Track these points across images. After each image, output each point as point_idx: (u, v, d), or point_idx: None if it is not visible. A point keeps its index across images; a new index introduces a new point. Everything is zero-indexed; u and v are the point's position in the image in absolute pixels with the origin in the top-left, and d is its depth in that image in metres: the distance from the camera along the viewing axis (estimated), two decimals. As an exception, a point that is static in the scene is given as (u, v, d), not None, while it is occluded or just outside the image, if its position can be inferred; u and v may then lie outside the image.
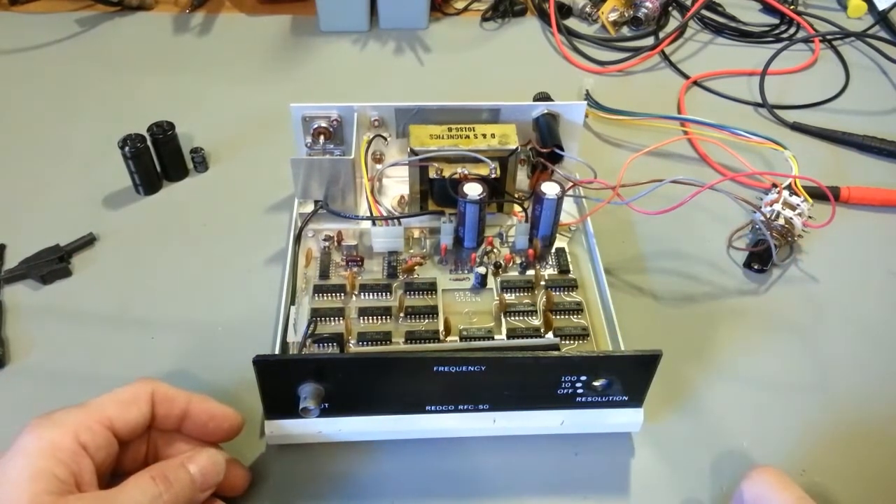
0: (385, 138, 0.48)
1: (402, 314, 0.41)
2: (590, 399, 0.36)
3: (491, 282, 0.43)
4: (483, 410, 0.37)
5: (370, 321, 0.41)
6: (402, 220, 0.45)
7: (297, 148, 0.48)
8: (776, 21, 0.74)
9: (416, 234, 0.45)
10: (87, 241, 0.48)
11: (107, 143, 0.53)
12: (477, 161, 0.44)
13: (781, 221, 0.47)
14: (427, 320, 0.41)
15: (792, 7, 0.75)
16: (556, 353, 0.38)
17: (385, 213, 0.46)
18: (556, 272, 0.44)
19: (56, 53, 0.67)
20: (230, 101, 0.61)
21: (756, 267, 0.47)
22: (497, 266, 0.44)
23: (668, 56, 0.69)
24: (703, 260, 0.48)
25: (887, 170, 0.56)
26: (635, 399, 0.36)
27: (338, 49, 0.69)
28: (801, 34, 0.73)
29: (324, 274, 0.43)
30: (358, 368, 0.34)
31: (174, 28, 0.71)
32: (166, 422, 0.33)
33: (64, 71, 0.65)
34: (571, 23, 0.74)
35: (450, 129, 0.45)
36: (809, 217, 0.48)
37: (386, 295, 0.42)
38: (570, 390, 0.35)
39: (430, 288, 0.42)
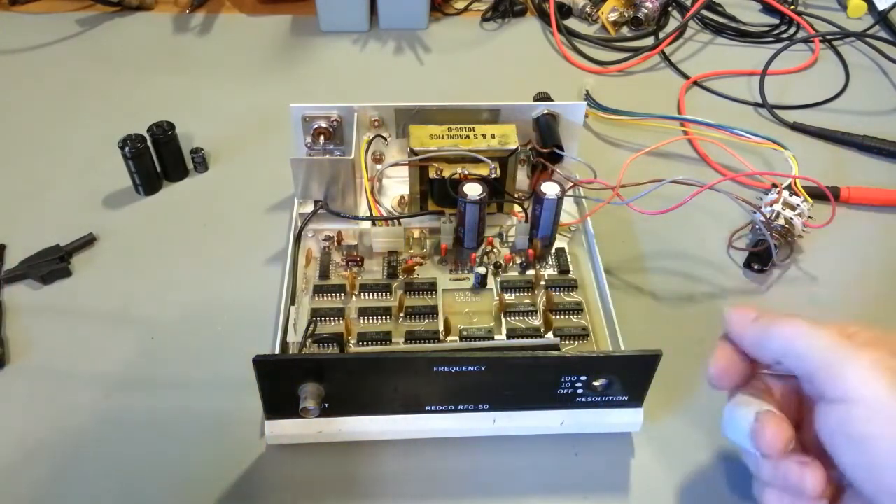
0: (385, 138, 0.48)
1: (402, 314, 0.41)
2: (590, 399, 0.36)
3: (491, 282, 0.43)
4: (483, 410, 0.37)
5: (370, 321, 0.41)
6: (402, 220, 0.45)
7: (297, 148, 0.48)
8: (776, 21, 0.74)
9: (416, 234, 0.45)
10: (87, 241, 0.48)
11: (107, 143, 0.53)
12: (477, 161, 0.44)
13: (781, 221, 0.47)
14: (427, 320, 0.41)
15: (792, 7, 0.75)
16: (555, 353, 0.38)
17: (385, 213, 0.46)
18: (556, 272, 0.44)
19: (56, 53, 0.67)
20: (230, 101, 0.61)
21: (756, 267, 0.47)
22: (497, 266, 0.44)
23: (668, 56, 0.69)
24: (703, 260, 0.48)
25: (887, 170, 0.56)
26: (635, 399, 0.36)
27: (338, 49, 0.69)
28: (801, 34, 0.73)
29: (324, 274, 0.43)
30: (358, 368, 0.34)
31: (174, 28, 0.71)
32: None
33: (64, 71, 0.65)
34: (571, 23, 0.74)
35: (450, 129, 0.45)
36: (809, 217, 0.48)
37: (386, 295, 0.42)
38: (569, 390, 0.35)
39: (430, 288, 0.42)
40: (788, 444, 0.29)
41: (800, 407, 0.32)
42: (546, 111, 0.47)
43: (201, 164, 0.54)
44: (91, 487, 0.36)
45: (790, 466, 0.29)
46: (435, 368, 0.34)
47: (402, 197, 0.48)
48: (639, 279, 0.47)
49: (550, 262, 0.45)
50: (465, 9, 0.75)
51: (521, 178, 0.48)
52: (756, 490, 0.31)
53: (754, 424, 0.29)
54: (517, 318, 0.42)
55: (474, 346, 0.40)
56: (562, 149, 0.46)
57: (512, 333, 0.41)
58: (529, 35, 0.73)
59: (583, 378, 0.35)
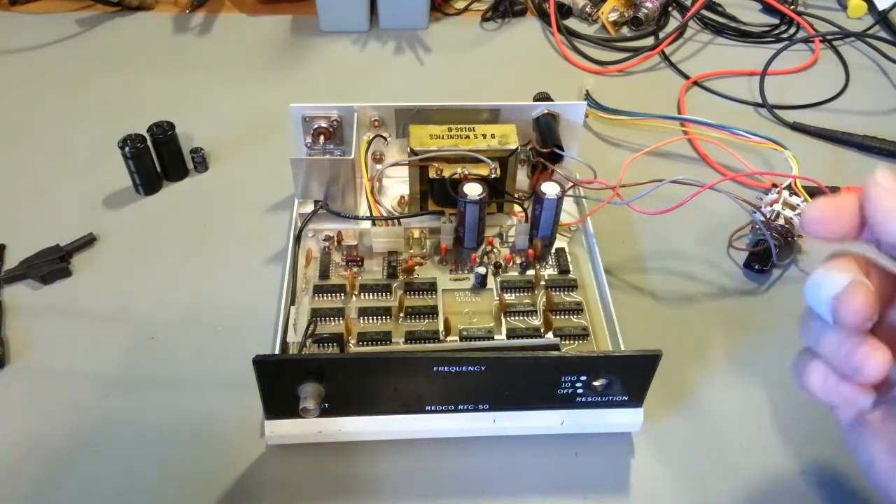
0: (385, 138, 0.48)
1: (402, 314, 0.41)
2: (590, 399, 0.36)
3: (491, 282, 0.43)
4: (483, 410, 0.37)
5: (370, 321, 0.41)
6: (402, 220, 0.45)
7: (297, 148, 0.48)
8: (776, 21, 0.74)
9: (416, 234, 0.45)
10: (87, 241, 0.48)
11: (107, 143, 0.53)
12: (477, 161, 0.44)
13: (781, 221, 0.47)
14: (427, 320, 0.41)
15: (792, 7, 0.75)
16: (555, 353, 0.38)
17: (385, 213, 0.46)
18: (556, 272, 0.44)
19: (56, 53, 0.67)
20: (230, 101, 0.61)
21: (756, 267, 0.47)
22: (497, 266, 0.44)
23: (668, 56, 0.69)
24: (703, 260, 0.48)
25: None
26: (635, 399, 0.36)
27: (338, 49, 0.69)
28: (801, 34, 0.73)
29: (324, 274, 0.43)
30: (358, 368, 0.34)
31: (174, 28, 0.71)
32: None
33: (64, 71, 0.65)
34: (571, 23, 0.74)
35: (450, 129, 0.45)
36: (809, 217, 0.48)
37: (386, 295, 0.42)
38: (570, 390, 0.35)
39: (430, 288, 0.42)
40: (871, 319, 0.27)
41: (889, 298, 0.30)
42: (546, 111, 0.47)
43: (201, 164, 0.54)
44: (91, 487, 0.36)
45: (860, 344, 0.27)
46: (435, 368, 0.34)
47: (402, 197, 0.48)
48: (639, 279, 0.47)
49: (550, 262, 0.45)
50: (465, 9, 0.75)
51: (521, 178, 0.48)
52: (800, 363, 0.29)
53: (844, 289, 0.28)
54: (517, 318, 0.42)
55: (474, 346, 0.40)
56: (562, 149, 0.46)
57: (512, 333, 0.41)
58: (529, 35, 0.73)
59: (583, 378, 0.35)
